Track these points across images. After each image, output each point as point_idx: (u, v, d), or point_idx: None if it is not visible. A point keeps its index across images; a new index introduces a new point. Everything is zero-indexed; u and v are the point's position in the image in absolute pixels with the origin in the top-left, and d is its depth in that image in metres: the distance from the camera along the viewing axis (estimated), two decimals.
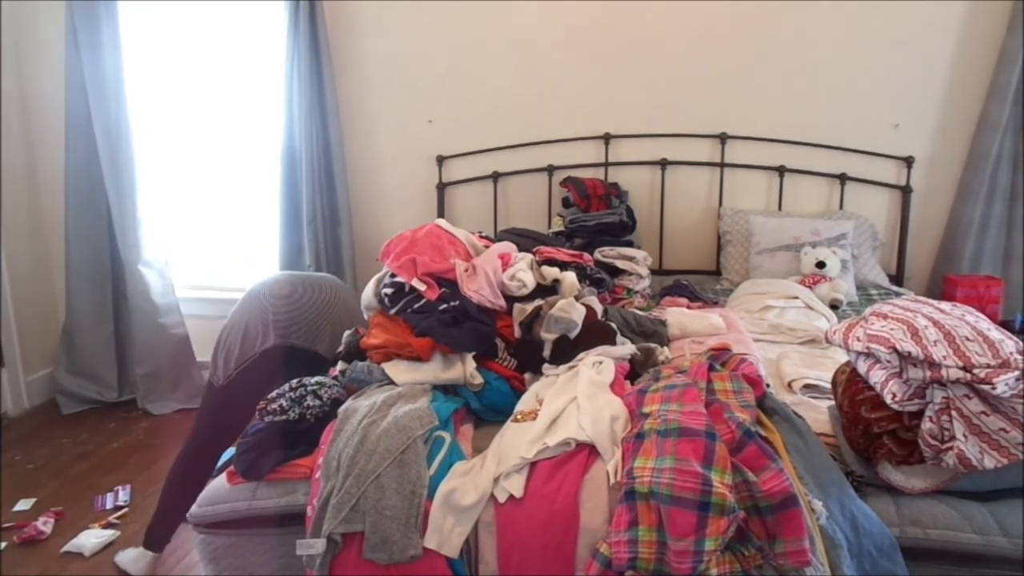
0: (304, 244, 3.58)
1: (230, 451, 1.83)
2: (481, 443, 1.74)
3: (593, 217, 3.14)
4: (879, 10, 3.19)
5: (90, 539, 2.53)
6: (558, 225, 3.27)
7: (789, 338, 2.54)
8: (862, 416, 1.60)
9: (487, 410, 1.89)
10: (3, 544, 2.55)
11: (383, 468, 1.55)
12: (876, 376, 1.57)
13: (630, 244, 3.15)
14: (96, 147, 3.49)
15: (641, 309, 2.56)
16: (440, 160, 3.61)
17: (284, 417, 1.75)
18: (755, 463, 1.43)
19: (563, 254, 2.61)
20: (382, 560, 1.48)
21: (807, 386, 2.09)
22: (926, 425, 1.46)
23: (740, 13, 3.28)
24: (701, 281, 3.32)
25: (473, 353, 1.93)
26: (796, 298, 2.81)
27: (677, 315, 2.42)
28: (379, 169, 3.71)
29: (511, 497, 1.52)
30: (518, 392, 1.91)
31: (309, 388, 1.84)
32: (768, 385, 1.85)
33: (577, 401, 1.69)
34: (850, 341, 1.66)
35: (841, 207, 3.38)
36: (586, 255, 2.73)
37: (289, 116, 3.49)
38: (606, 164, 3.50)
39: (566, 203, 3.32)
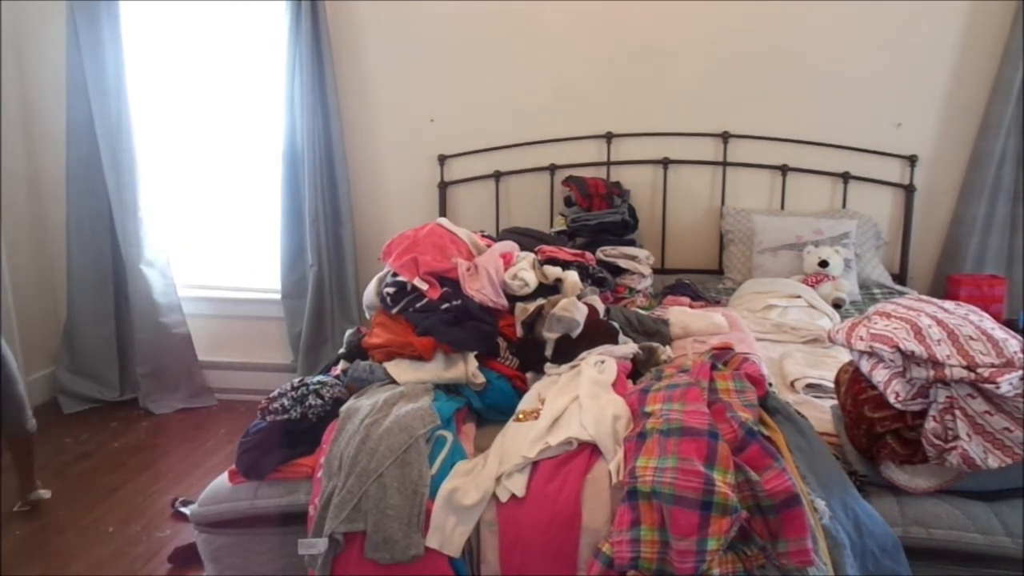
0: (306, 243, 3.58)
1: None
2: (483, 442, 1.74)
3: (595, 216, 3.13)
4: (882, 8, 3.18)
5: None
6: (560, 224, 3.26)
7: (792, 337, 2.54)
8: (865, 415, 1.59)
9: (489, 409, 1.89)
10: (3, 543, 2.55)
11: (385, 467, 1.55)
12: (879, 375, 1.57)
13: (632, 243, 3.15)
14: (97, 146, 3.49)
15: (643, 308, 2.56)
16: (442, 159, 3.61)
17: (286, 416, 1.75)
18: (758, 462, 1.43)
19: (565, 253, 2.61)
20: (384, 560, 1.48)
21: (810, 385, 2.09)
22: (929, 425, 1.46)
23: (742, 12, 3.27)
24: (703, 280, 3.32)
25: (475, 352, 1.93)
26: (799, 297, 2.81)
27: (679, 314, 2.42)
28: (381, 168, 3.70)
29: (513, 496, 1.51)
30: (520, 391, 1.91)
31: (311, 387, 1.84)
32: (771, 384, 1.85)
33: (579, 400, 1.69)
34: (853, 340, 1.65)
35: (844, 206, 3.37)
36: (588, 254, 2.73)
37: (291, 115, 3.48)
38: (608, 163, 3.49)
39: (568, 202, 3.32)
